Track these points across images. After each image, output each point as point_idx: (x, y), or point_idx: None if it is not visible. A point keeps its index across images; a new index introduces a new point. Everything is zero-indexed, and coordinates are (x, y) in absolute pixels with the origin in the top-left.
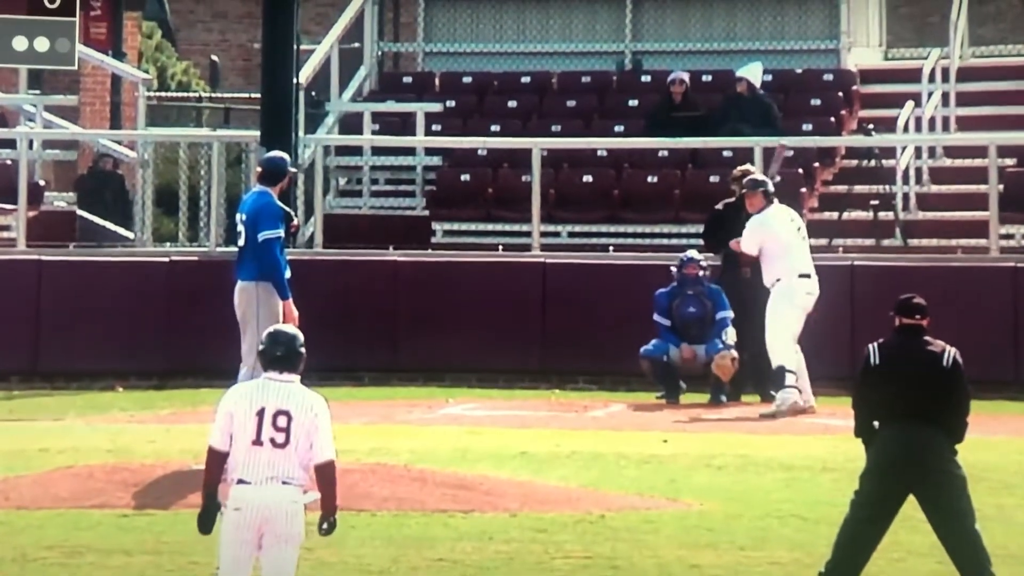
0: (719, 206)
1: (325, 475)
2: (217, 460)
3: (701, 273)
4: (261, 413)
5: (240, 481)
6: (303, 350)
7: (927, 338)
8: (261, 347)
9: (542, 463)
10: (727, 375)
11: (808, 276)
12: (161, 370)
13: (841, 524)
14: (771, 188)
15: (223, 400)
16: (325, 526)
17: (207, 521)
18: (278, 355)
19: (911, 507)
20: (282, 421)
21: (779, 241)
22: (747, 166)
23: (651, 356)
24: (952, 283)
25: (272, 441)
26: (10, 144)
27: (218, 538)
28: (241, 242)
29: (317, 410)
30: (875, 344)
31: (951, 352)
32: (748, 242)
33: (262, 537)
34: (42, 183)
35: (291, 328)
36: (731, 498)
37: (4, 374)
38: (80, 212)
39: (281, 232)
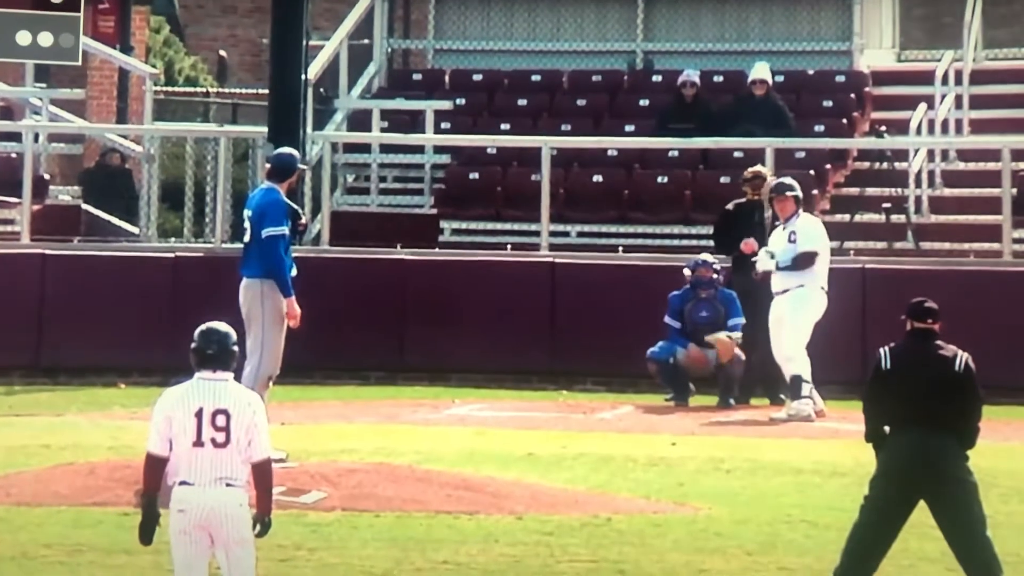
0: (729, 206)
1: (261, 473)
2: (157, 466)
3: (714, 277)
4: (200, 414)
5: (183, 483)
6: (236, 348)
7: (939, 343)
8: (193, 345)
9: (549, 465)
10: (727, 353)
11: (824, 289)
12: (164, 367)
13: (851, 529)
14: (800, 193)
15: (158, 403)
16: (258, 528)
17: (148, 530)
18: (210, 353)
19: (921, 513)
20: (221, 420)
21: (825, 252)
22: (759, 168)
23: (657, 358)
24: (964, 287)
25: (213, 441)
26: (16, 137)
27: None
28: (247, 239)
29: (255, 407)
30: (886, 348)
31: (963, 357)
32: (819, 249)
33: (212, 538)
34: (47, 177)
35: (223, 325)
36: (740, 502)
37: (6, 369)
38: (85, 206)
39: (285, 229)
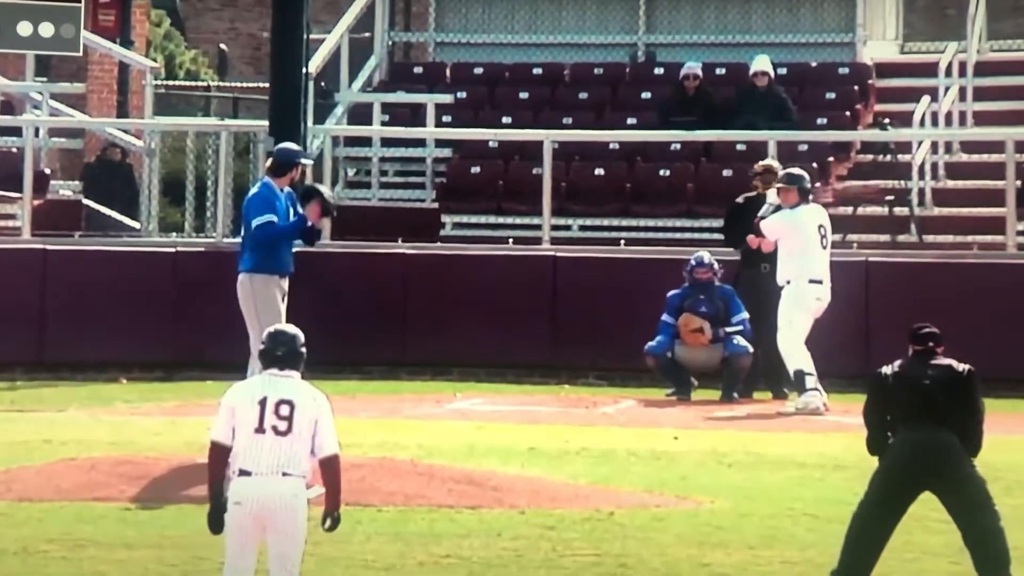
0: (739, 199)
1: (329, 469)
2: (221, 454)
3: (712, 276)
4: (263, 402)
5: (242, 472)
6: (304, 350)
7: (941, 359)
8: (262, 346)
9: (551, 459)
10: (695, 341)
11: (820, 282)
12: (166, 362)
13: (849, 522)
14: (808, 185)
15: (225, 395)
16: (328, 522)
17: (217, 519)
18: (279, 355)
19: (925, 507)
20: (284, 410)
21: (800, 240)
22: (769, 161)
23: (655, 353)
24: (968, 280)
25: (274, 429)
26: (16, 132)
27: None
28: (243, 233)
29: (320, 402)
30: (888, 366)
31: (966, 366)
32: (768, 229)
33: (264, 528)
34: (48, 171)
35: (292, 328)
36: (742, 496)
37: (8, 364)
38: (86, 201)
39: (272, 217)
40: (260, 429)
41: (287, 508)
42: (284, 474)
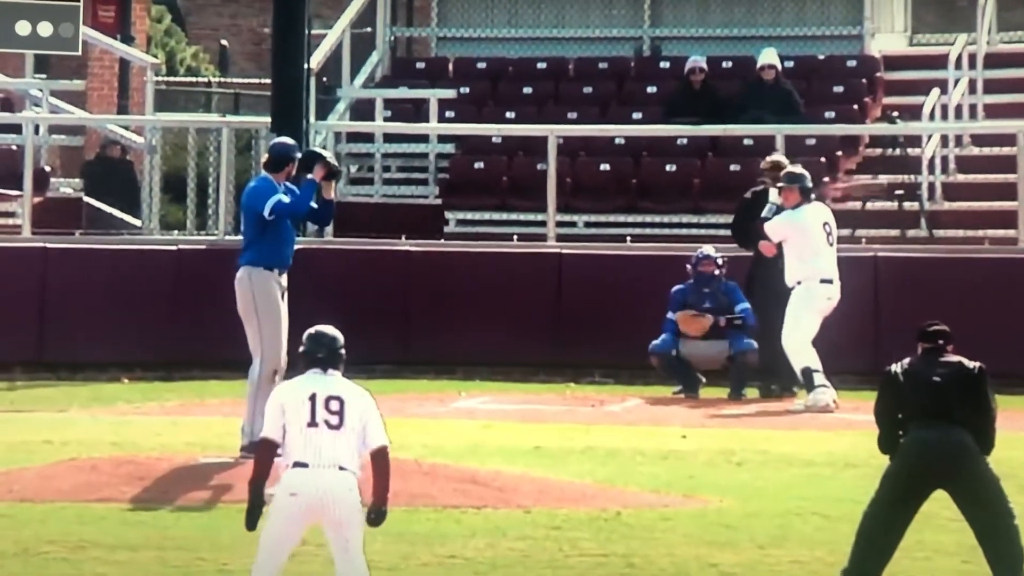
0: (747, 194)
1: (381, 461)
2: (271, 451)
3: (716, 271)
4: (313, 398)
5: (296, 464)
6: (344, 351)
7: (950, 357)
8: (302, 348)
9: (556, 458)
10: (695, 330)
11: (830, 281)
12: (168, 361)
13: (860, 523)
14: (809, 184)
15: (272, 394)
16: (374, 516)
17: (254, 516)
18: (320, 357)
19: (937, 505)
20: (335, 405)
21: (806, 241)
22: (777, 157)
23: (659, 352)
24: (979, 275)
25: (327, 423)
26: (16, 129)
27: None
28: (243, 228)
29: (367, 397)
30: (897, 364)
31: (976, 363)
32: (772, 231)
33: (323, 525)
34: (48, 169)
35: (331, 328)
36: (751, 495)
37: (8, 364)
38: (87, 199)
39: (279, 196)
40: (313, 423)
41: (346, 500)
42: (340, 468)
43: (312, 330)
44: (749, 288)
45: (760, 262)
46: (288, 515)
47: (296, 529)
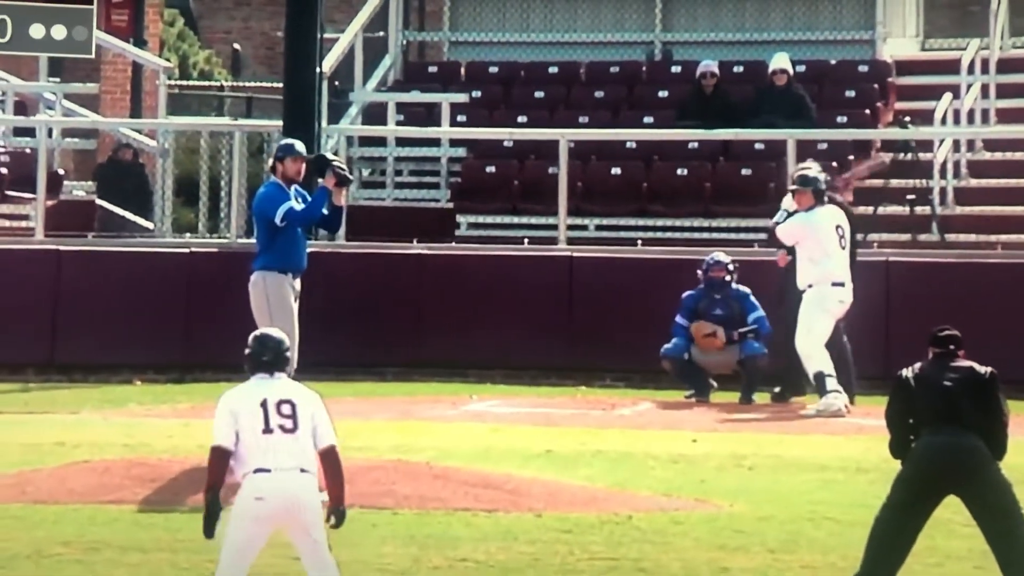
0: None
1: (331, 460)
2: (223, 458)
3: (727, 277)
4: (265, 404)
5: (258, 470)
6: (289, 354)
7: (962, 362)
8: (248, 350)
9: (568, 462)
10: (708, 345)
11: (842, 284)
12: (180, 363)
13: (871, 527)
14: (822, 187)
15: (220, 401)
16: (333, 519)
17: (211, 524)
18: (265, 360)
19: (948, 511)
20: (287, 409)
21: (819, 244)
22: (806, 171)
23: (671, 355)
24: (991, 279)
25: (281, 427)
26: (29, 132)
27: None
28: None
29: (314, 397)
30: (908, 368)
31: (988, 368)
32: (784, 234)
33: (288, 530)
34: (61, 172)
35: (276, 332)
36: (762, 499)
37: (21, 366)
38: (99, 202)
39: (290, 203)
40: (268, 429)
41: (312, 504)
42: (302, 470)
43: (257, 333)
44: (782, 295)
45: (791, 268)
46: (254, 519)
47: (262, 533)
